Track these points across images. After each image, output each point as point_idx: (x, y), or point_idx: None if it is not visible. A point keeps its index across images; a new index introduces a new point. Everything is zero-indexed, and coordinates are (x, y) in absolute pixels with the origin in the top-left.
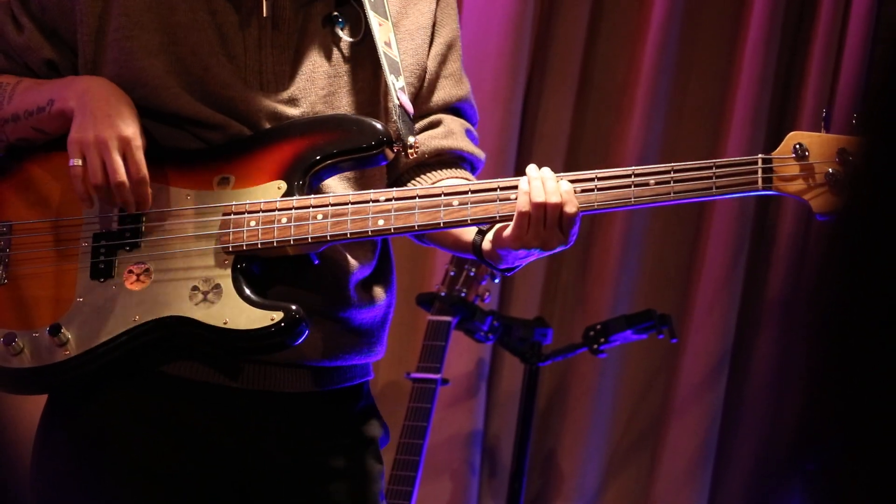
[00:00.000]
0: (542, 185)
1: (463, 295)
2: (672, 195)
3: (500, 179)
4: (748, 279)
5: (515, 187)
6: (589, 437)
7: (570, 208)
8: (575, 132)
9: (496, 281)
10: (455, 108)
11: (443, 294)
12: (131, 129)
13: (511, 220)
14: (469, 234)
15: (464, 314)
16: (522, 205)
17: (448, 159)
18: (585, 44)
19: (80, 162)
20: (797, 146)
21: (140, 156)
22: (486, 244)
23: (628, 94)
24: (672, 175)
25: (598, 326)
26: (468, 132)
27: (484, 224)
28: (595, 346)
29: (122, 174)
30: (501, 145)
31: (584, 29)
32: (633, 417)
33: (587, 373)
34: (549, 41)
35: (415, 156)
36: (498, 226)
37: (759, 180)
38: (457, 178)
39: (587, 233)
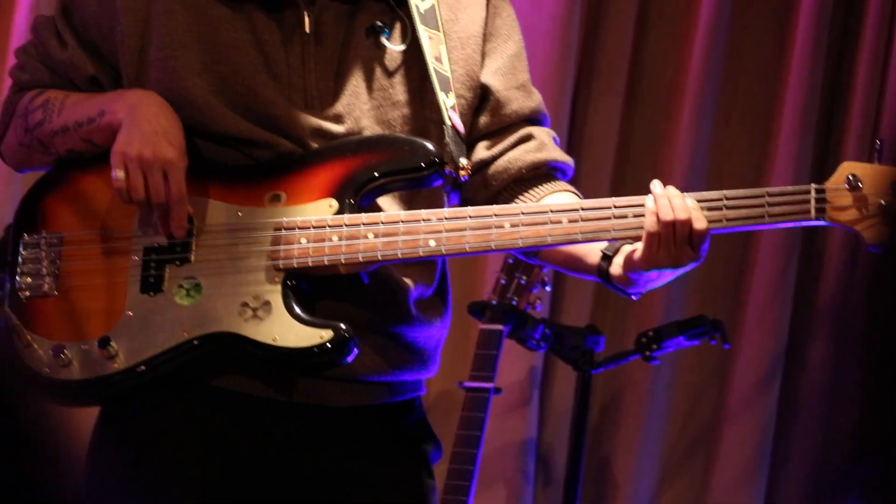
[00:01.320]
0: (670, 202)
1: (514, 303)
2: (724, 222)
3: (551, 204)
4: (799, 283)
5: (567, 211)
6: (643, 444)
7: (700, 224)
8: (623, 136)
9: (547, 289)
10: (532, 120)
11: (494, 303)
12: (175, 152)
13: (562, 242)
14: (592, 256)
15: (515, 323)
16: (650, 224)
17: (544, 172)
18: (633, 48)
19: (122, 174)
20: (850, 177)
21: (180, 177)
22: (616, 269)
23: (676, 98)
24: (724, 202)
25: (651, 333)
26: (554, 139)
27: (536, 248)
28: (647, 353)
29: (161, 195)
30: None
31: (631, 33)
32: (687, 424)
33: (640, 380)
34: (596, 45)
35: (466, 176)
36: (627, 249)
37: (812, 210)
38: (560, 192)
39: None
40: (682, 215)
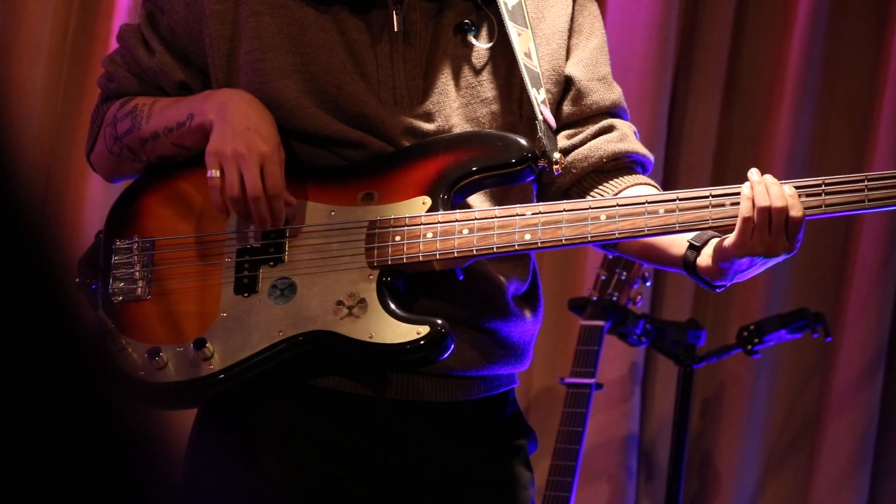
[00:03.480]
0: (766, 189)
1: (615, 299)
2: (824, 208)
3: (648, 195)
4: None
5: (664, 202)
6: (745, 437)
7: (796, 212)
8: (723, 131)
9: (648, 284)
10: (613, 112)
11: (594, 298)
12: (269, 145)
13: (660, 233)
14: (677, 247)
15: (616, 318)
16: (745, 210)
17: (624, 164)
18: (731, 43)
19: (217, 173)
20: None
21: (277, 170)
22: (705, 259)
23: (775, 93)
24: (824, 188)
25: (752, 327)
26: (635, 133)
27: (633, 238)
28: (749, 347)
29: (258, 188)
30: (649, 146)
31: (729, 28)
32: (790, 417)
33: (741, 373)
34: (694, 41)
35: (560, 170)
36: (716, 240)
37: None
38: (640, 185)
39: None
40: (778, 202)
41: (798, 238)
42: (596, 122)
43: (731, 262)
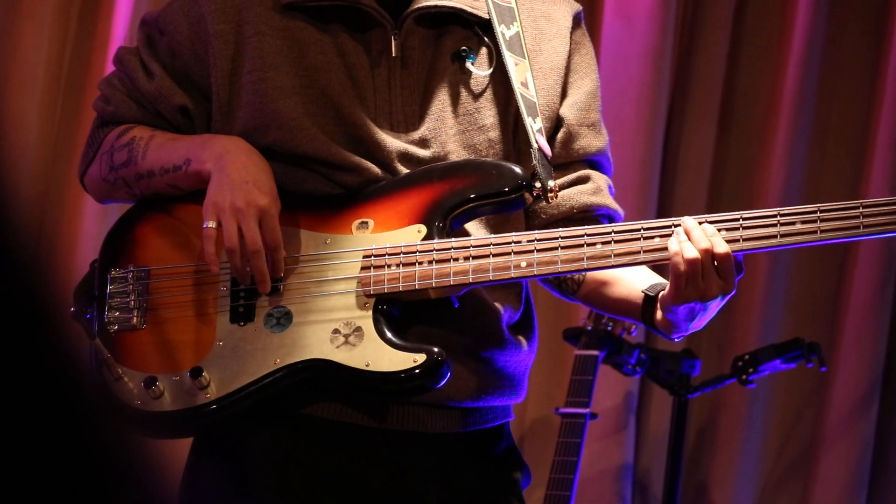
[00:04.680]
0: (689, 237)
1: (609, 329)
2: (819, 234)
3: (643, 221)
4: None
5: (659, 228)
6: (740, 468)
7: (721, 248)
8: (717, 162)
9: None
10: (594, 161)
11: (589, 328)
12: (267, 199)
13: (655, 260)
14: (635, 298)
15: (611, 348)
16: (677, 265)
17: (593, 216)
18: (726, 74)
19: (213, 224)
20: None
21: (275, 224)
22: (658, 313)
23: (770, 123)
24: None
25: (747, 356)
26: (610, 188)
27: (628, 265)
28: (744, 377)
29: (258, 242)
30: (644, 178)
31: (723, 59)
32: (784, 447)
33: (736, 403)
34: (688, 72)
35: (555, 201)
36: (663, 293)
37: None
38: None
39: None
40: (702, 244)
41: (732, 274)
42: (575, 170)
43: (673, 312)
